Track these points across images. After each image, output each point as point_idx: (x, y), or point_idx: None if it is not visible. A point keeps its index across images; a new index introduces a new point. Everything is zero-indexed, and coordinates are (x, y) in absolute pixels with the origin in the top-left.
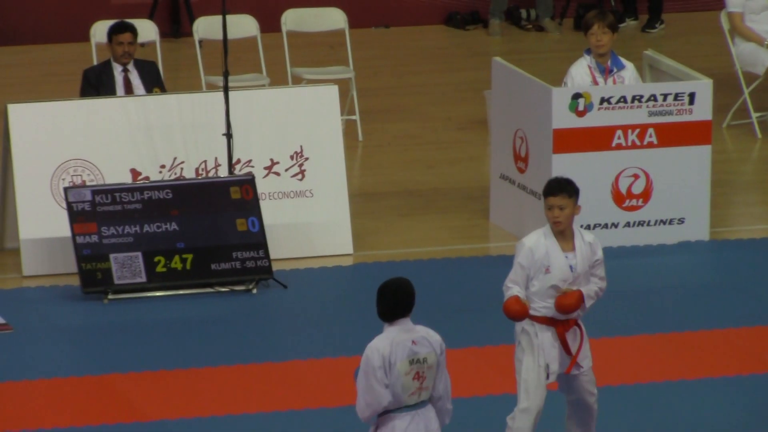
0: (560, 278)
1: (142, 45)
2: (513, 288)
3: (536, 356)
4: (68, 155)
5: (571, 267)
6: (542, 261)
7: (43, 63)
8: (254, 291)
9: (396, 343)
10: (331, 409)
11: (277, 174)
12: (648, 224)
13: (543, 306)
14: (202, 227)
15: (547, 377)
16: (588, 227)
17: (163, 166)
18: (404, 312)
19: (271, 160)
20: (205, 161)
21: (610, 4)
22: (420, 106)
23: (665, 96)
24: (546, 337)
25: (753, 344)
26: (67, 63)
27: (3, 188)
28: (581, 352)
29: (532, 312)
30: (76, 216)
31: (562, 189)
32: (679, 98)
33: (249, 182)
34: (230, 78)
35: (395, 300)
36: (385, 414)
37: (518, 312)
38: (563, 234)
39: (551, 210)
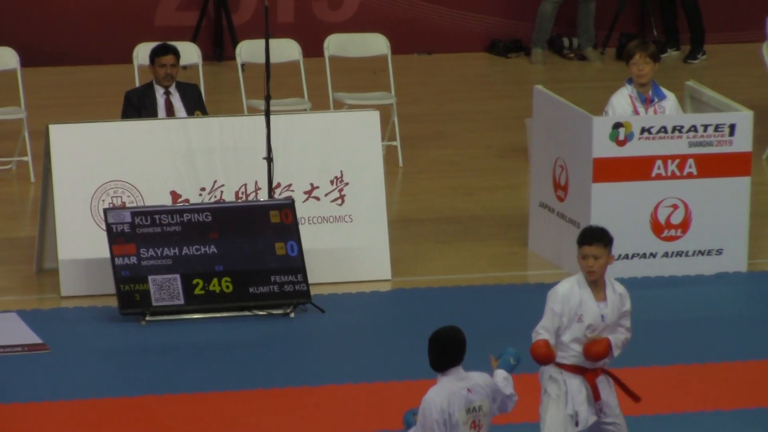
0: (591, 328)
1: (185, 68)
2: (543, 333)
3: (563, 404)
4: (108, 176)
5: (602, 317)
6: (576, 309)
7: (86, 84)
8: (292, 315)
9: (452, 393)
10: None
11: (317, 198)
12: (686, 255)
13: (572, 354)
14: (241, 250)
15: (577, 424)
16: (626, 257)
17: (203, 189)
18: (457, 361)
19: (311, 184)
20: (245, 185)
21: (653, 34)
22: (461, 133)
23: (706, 127)
24: (574, 384)
25: None
26: (110, 84)
27: (43, 208)
28: (611, 398)
29: (560, 359)
30: (115, 237)
31: (598, 239)
32: (719, 129)
33: (289, 206)
34: (272, 102)
35: (448, 349)
36: None
37: (545, 355)
38: (596, 283)
39: (586, 259)
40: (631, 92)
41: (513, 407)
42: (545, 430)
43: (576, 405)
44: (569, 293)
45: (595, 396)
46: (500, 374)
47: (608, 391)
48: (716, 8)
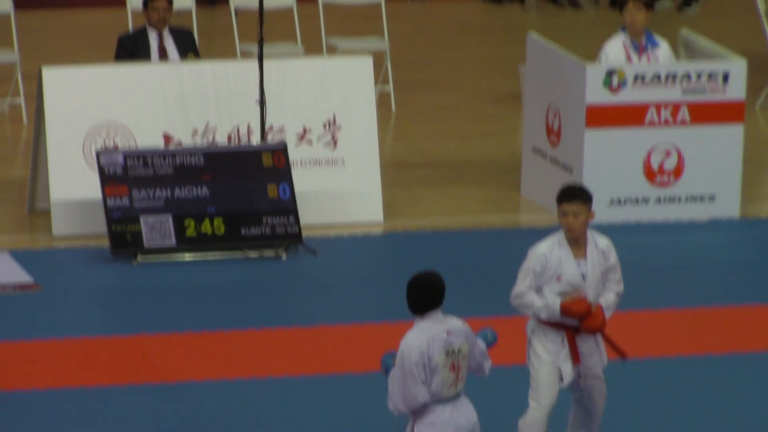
0: (570, 285)
1: (178, 14)
2: (529, 293)
3: (549, 360)
4: (101, 119)
5: (583, 275)
6: (555, 269)
7: (79, 28)
8: (283, 257)
9: (432, 335)
10: (357, 375)
11: (310, 142)
12: (679, 201)
13: None
14: (233, 193)
15: (561, 380)
16: (619, 203)
17: (195, 132)
18: (436, 304)
19: (304, 127)
20: (237, 127)
21: None
22: (454, 79)
23: (699, 75)
24: (557, 340)
25: None
26: (103, 29)
27: (36, 150)
28: (594, 357)
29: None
30: (107, 179)
31: (577, 196)
32: (712, 77)
33: (281, 149)
34: (265, 47)
35: (427, 293)
36: (423, 407)
37: (587, 308)
38: (577, 241)
39: (565, 217)
40: (625, 40)
41: (489, 372)
42: (532, 381)
43: (559, 361)
44: (549, 253)
45: (574, 358)
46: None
47: (592, 348)
48: None
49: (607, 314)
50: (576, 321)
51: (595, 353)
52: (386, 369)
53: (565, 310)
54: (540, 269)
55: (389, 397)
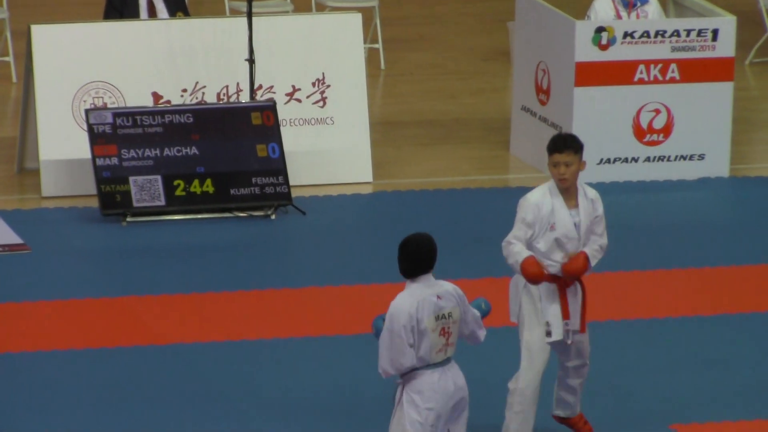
0: (564, 235)
1: None
2: (516, 243)
3: (538, 318)
4: (90, 77)
5: (575, 225)
6: (548, 218)
7: None
8: (273, 217)
9: (421, 299)
10: (346, 337)
11: (299, 101)
12: (668, 159)
13: (549, 264)
14: (223, 152)
15: (549, 335)
16: (608, 161)
17: (184, 91)
18: (427, 268)
19: (293, 86)
20: (226, 86)
21: None
22: (443, 36)
23: (688, 32)
24: (548, 294)
25: None
26: None
27: (25, 108)
28: (577, 316)
29: None
30: (96, 138)
31: (568, 145)
32: (702, 34)
33: (270, 108)
34: (254, 4)
35: (418, 256)
36: (411, 371)
37: (538, 274)
38: (568, 190)
39: (557, 167)
40: None
41: (484, 340)
42: (524, 342)
43: (548, 316)
44: (541, 202)
45: (564, 312)
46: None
47: (577, 309)
48: None
49: (593, 263)
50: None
51: (579, 313)
52: (377, 331)
53: (566, 270)
54: (532, 218)
55: (380, 361)
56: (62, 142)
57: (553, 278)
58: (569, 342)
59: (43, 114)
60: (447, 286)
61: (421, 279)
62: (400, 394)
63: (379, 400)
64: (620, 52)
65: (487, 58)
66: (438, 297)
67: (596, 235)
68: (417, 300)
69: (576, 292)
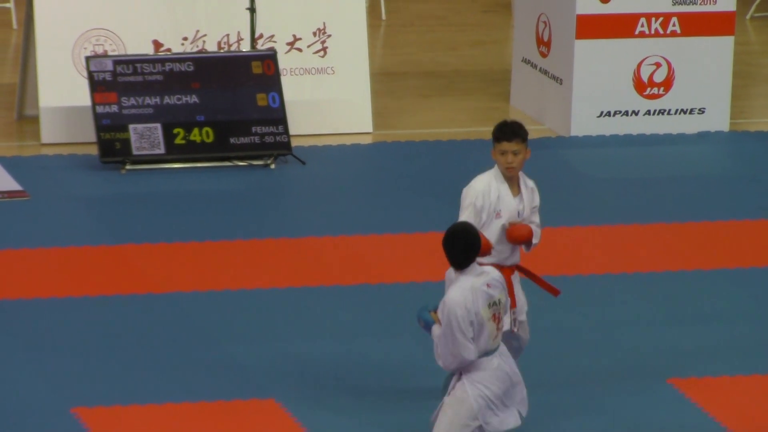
0: (509, 222)
1: None
2: None
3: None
4: (91, 25)
5: (519, 212)
6: (495, 205)
7: None
8: (272, 166)
9: (474, 290)
10: (345, 287)
11: (300, 50)
12: (668, 113)
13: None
14: (223, 101)
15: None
16: (608, 114)
17: (185, 39)
18: (475, 257)
19: (294, 36)
20: (227, 35)
21: None
22: None
23: None
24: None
25: None
26: None
27: (25, 55)
28: (520, 302)
29: (478, 259)
30: (96, 85)
31: (516, 134)
32: None
33: (271, 57)
34: None
35: (468, 246)
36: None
37: (485, 245)
38: (511, 178)
39: (504, 155)
40: None
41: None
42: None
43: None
44: (487, 188)
45: (512, 302)
46: None
47: (519, 294)
48: None
49: (535, 241)
50: (513, 246)
51: (521, 298)
52: (426, 324)
53: (510, 233)
54: (480, 204)
55: (438, 356)
56: (62, 90)
57: (497, 267)
58: (515, 330)
59: (43, 61)
60: (494, 273)
61: (470, 269)
62: (455, 382)
63: (375, 350)
64: (621, 5)
65: (488, 9)
66: (488, 285)
67: (534, 225)
68: (471, 292)
69: (518, 282)
